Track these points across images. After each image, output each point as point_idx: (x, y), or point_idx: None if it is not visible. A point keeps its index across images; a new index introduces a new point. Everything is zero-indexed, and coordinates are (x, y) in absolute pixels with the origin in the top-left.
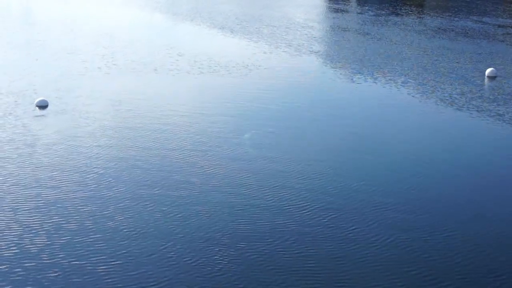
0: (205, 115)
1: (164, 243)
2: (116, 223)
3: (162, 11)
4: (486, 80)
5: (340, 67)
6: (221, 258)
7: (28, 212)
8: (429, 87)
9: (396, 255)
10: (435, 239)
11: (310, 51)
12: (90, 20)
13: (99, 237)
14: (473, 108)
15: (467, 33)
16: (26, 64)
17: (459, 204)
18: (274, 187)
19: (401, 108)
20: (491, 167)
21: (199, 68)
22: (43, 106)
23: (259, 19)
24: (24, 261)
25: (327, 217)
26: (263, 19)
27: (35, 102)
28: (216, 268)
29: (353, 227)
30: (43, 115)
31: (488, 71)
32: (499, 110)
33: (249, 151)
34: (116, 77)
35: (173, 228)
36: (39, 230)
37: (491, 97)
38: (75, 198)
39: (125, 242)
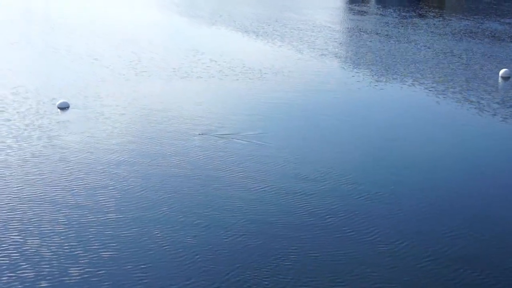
0: (238, 123)
1: (214, 274)
2: (159, 250)
3: (183, 14)
4: (500, 80)
5: (370, 72)
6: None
7: (64, 237)
8: (450, 90)
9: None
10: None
11: (336, 55)
12: (114, 23)
13: (141, 267)
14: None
15: (491, 34)
16: (52, 68)
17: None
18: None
19: (420, 109)
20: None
21: (234, 75)
22: (64, 107)
23: (282, 22)
24: None
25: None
26: (286, 22)
27: (56, 104)
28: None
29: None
30: (68, 120)
31: (502, 71)
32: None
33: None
34: (144, 83)
35: (223, 255)
36: (74, 258)
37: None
38: (113, 219)
39: (172, 273)
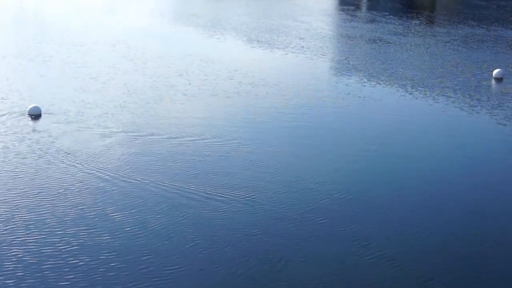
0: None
1: None
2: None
3: (183, 23)
4: (493, 81)
5: (381, 82)
6: None
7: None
8: (447, 96)
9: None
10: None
11: (348, 66)
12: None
13: None
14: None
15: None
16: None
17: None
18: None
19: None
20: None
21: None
22: (36, 114)
23: (286, 32)
24: None
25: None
26: (289, 31)
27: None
28: None
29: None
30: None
31: (495, 72)
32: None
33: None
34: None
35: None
36: None
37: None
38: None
39: None
